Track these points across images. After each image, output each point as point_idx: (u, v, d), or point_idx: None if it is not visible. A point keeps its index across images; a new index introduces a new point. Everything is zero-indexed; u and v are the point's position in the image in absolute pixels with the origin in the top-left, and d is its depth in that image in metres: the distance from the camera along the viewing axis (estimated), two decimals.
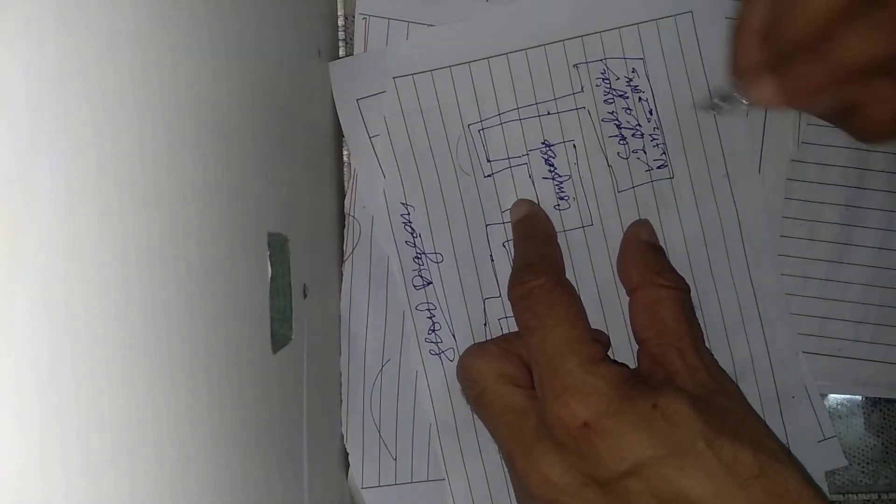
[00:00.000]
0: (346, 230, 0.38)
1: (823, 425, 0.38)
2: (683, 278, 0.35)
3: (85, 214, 0.17)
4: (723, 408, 0.31)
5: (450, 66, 0.38)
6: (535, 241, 0.36)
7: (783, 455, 0.30)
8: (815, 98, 0.27)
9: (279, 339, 0.30)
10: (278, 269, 0.30)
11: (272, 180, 0.30)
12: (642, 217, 0.37)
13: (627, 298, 0.37)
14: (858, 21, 0.24)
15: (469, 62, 0.38)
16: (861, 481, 0.39)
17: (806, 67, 0.25)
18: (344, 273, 0.38)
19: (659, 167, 0.38)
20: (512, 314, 0.37)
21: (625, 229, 0.37)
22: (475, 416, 0.37)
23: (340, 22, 0.39)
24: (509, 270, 0.37)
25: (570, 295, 0.33)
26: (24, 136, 0.15)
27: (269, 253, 0.29)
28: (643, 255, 0.35)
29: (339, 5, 0.39)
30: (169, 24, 0.21)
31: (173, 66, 0.21)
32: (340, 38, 0.39)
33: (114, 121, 0.18)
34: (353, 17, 0.38)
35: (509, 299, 0.35)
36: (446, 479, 0.38)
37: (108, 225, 0.18)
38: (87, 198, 0.17)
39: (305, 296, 0.33)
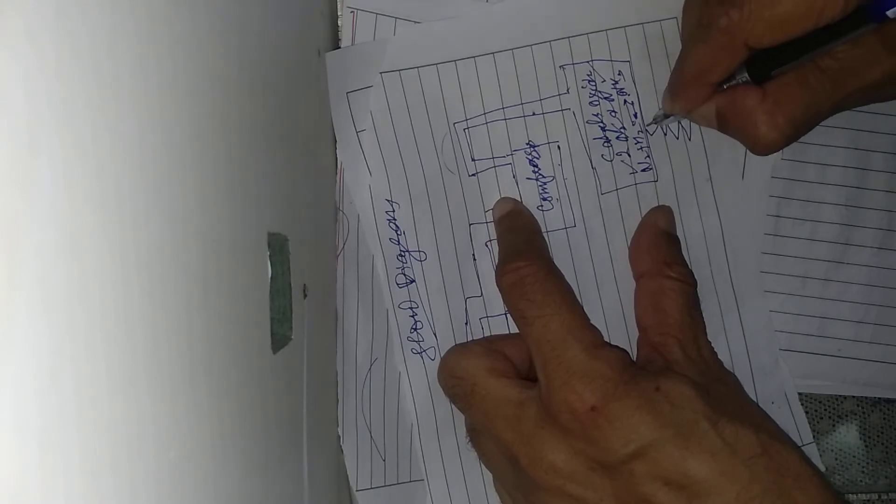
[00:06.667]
0: (336, 225, 0.39)
1: (802, 431, 0.38)
2: (692, 273, 0.35)
3: (84, 214, 0.17)
4: (722, 393, 0.32)
5: (436, 64, 0.38)
6: (521, 232, 0.37)
7: (783, 436, 0.31)
8: (691, 106, 0.35)
9: (279, 339, 0.30)
10: (278, 269, 0.30)
11: (272, 180, 0.30)
12: (626, 220, 0.37)
13: (609, 299, 0.37)
14: (691, 42, 0.33)
15: (456, 60, 0.38)
16: (861, 481, 0.39)
17: (672, 78, 0.35)
18: (337, 269, 0.38)
19: (643, 170, 0.38)
20: (493, 314, 0.38)
21: (608, 231, 0.38)
22: (455, 417, 0.37)
23: (340, 22, 0.39)
24: (492, 270, 0.37)
25: (564, 281, 0.34)
26: (24, 136, 0.15)
27: (269, 253, 0.29)
28: (657, 243, 0.36)
29: (339, 4, 0.39)
30: (168, 24, 0.21)
31: (173, 66, 0.21)
32: (340, 37, 0.39)
33: (113, 121, 0.18)
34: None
35: (498, 286, 0.35)
36: (425, 478, 0.38)
37: (108, 225, 0.18)
38: (86, 198, 0.17)
39: (305, 296, 0.33)
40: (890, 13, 0.29)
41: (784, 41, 0.30)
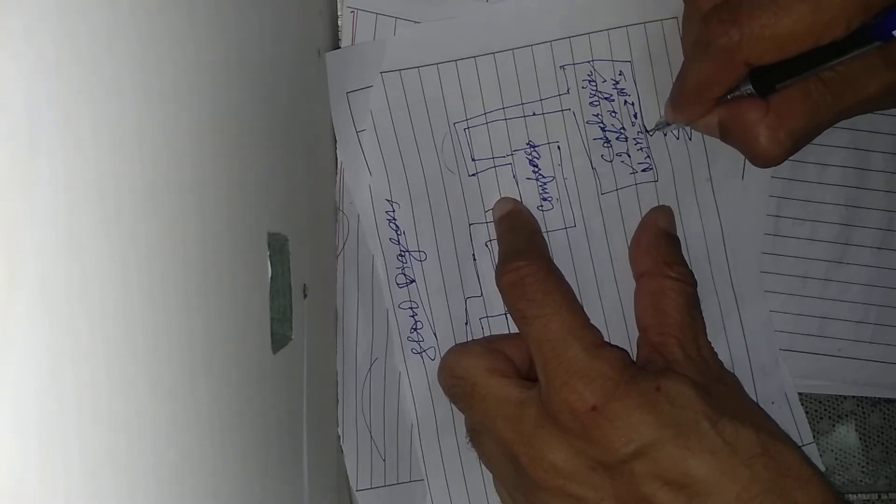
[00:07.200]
0: (336, 225, 0.39)
1: (802, 431, 0.38)
2: (692, 273, 0.35)
3: (84, 214, 0.17)
4: (722, 393, 0.32)
5: (437, 64, 0.38)
6: (520, 232, 0.37)
7: (783, 436, 0.31)
8: (693, 118, 0.35)
9: (279, 339, 0.30)
10: (278, 269, 0.30)
11: (272, 180, 0.30)
12: (626, 220, 0.37)
13: (609, 299, 0.37)
14: (692, 59, 0.33)
15: (456, 60, 0.38)
16: (861, 481, 0.39)
17: (674, 91, 0.35)
18: (337, 269, 0.38)
19: (643, 170, 0.38)
20: (493, 314, 0.38)
21: (608, 231, 0.38)
22: (455, 417, 0.37)
23: (340, 22, 0.39)
24: (492, 270, 0.37)
25: (563, 281, 0.34)
26: (24, 136, 0.15)
27: (269, 253, 0.29)
28: (657, 243, 0.36)
29: (339, 4, 0.39)
30: (169, 24, 0.21)
31: (173, 66, 0.21)
32: (340, 37, 0.39)
33: (113, 121, 0.18)
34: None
35: (498, 286, 0.35)
36: (425, 479, 0.38)
37: (108, 225, 0.18)
38: (86, 198, 0.17)
39: (305, 296, 0.33)
40: None
41: (783, 59, 0.31)
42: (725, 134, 0.34)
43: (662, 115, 0.37)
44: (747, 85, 0.32)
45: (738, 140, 0.34)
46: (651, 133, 0.37)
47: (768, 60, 0.31)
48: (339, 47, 0.38)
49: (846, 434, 0.39)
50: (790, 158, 0.38)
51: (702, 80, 0.33)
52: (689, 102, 0.34)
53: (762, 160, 0.33)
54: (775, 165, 0.34)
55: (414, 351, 0.38)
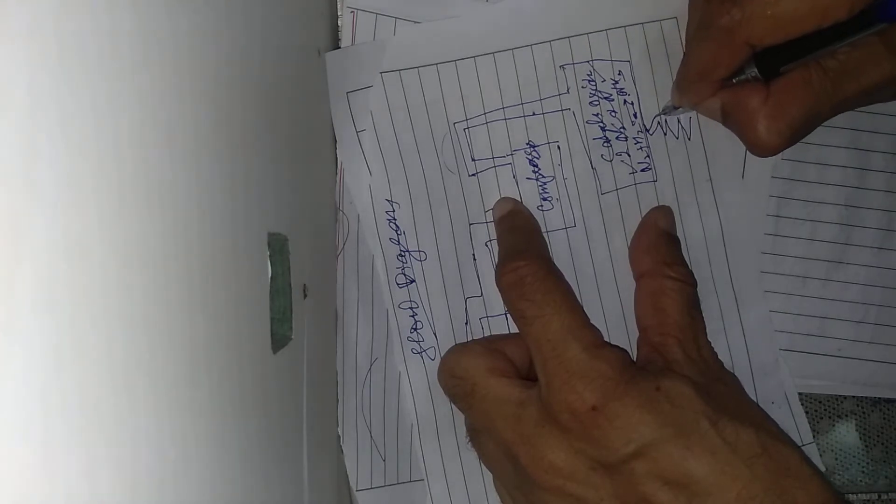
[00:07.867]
0: (336, 225, 0.39)
1: (802, 431, 0.38)
2: (692, 273, 0.35)
3: (86, 214, 0.17)
4: (722, 393, 0.32)
5: (436, 64, 0.38)
6: (521, 232, 0.37)
7: (783, 435, 0.31)
8: (697, 101, 0.35)
9: (279, 339, 0.30)
10: (278, 269, 0.30)
11: (272, 180, 0.30)
12: (626, 219, 0.37)
13: (609, 299, 0.37)
14: (695, 40, 0.33)
15: (456, 60, 0.38)
16: (861, 481, 0.39)
17: (678, 72, 0.35)
18: (337, 269, 0.38)
19: (643, 170, 0.38)
20: (493, 314, 0.38)
21: (608, 231, 0.38)
22: (455, 417, 0.37)
23: (340, 22, 0.39)
24: (492, 270, 0.37)
25: (563, 281, 0.34)
26: (27, 135, 0.15)
27: (269, 253, 0.29)
28: (657, 244, 0.36)
29: (339, 4, 0.39)
30: (170, 24, 0.21)
31: (174, 65, 0.21)
32: (340, 37, 0.39)
33: (115, 121, 0.18)
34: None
35: (498, 286, 0.35)
36: (425, 479, 0.38)
37: (109, 225, 0.18)
38: (88, 197, 0.17)
39: (305, 296, 0.33)
40: None
41: (786, 40, 0.30)
42: (726, 119, 0.34)
43: (660, 103, 0.37)
44: (752, 68, 0.32)
45: (738, 126, 0.34)
46: (657, 116, 0.37)
47: (770, 41, 0.31)
48: (339, 47, 0.39)
49: (846, 434, 0.39)
50: (790, 158, 0.38)
51: (704, 61, 0.33)
52: (692, 84, 0.34)
53: (760, 149, 0.33)
54: (772, 155, 0.34)
55: (414, 351, 0.38)
